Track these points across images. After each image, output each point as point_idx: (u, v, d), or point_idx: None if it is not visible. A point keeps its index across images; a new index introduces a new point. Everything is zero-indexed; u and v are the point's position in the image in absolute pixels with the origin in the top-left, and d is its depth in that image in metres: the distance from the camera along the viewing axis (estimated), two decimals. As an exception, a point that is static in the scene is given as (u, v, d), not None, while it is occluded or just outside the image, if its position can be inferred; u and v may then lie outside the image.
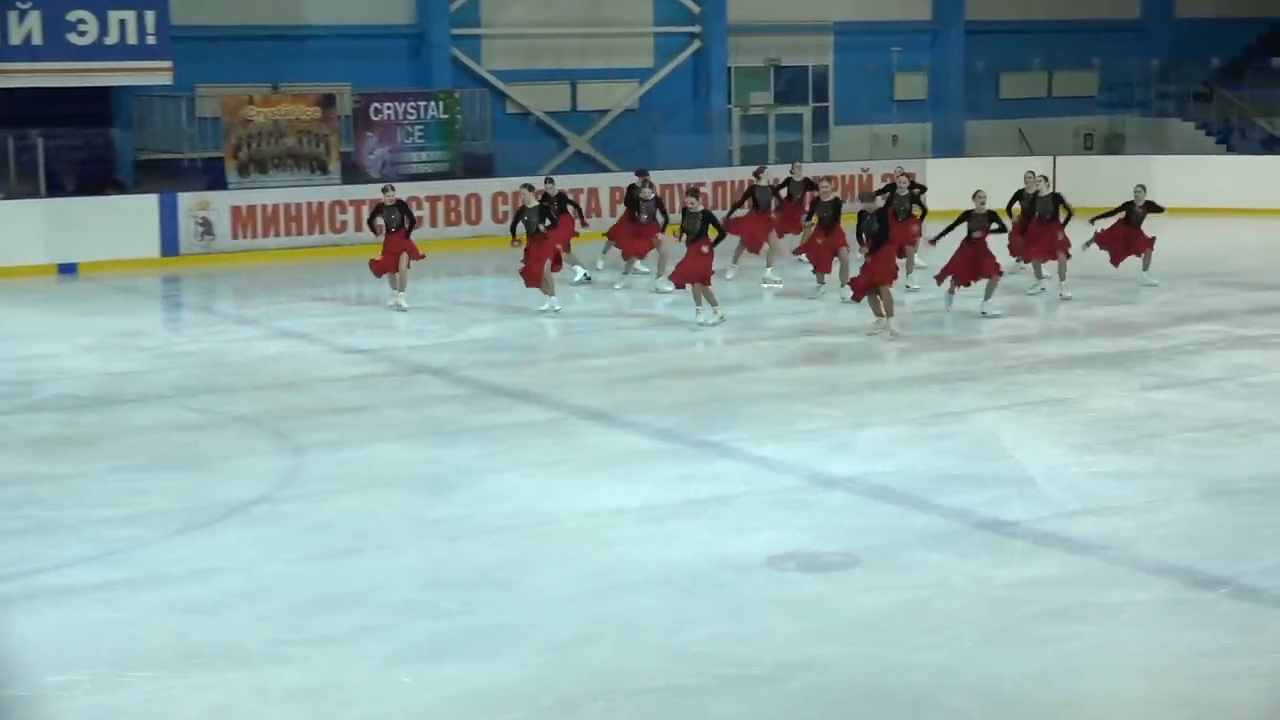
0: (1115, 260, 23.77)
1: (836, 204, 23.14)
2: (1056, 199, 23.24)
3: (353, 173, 32.61)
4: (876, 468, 13.73)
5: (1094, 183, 32.99)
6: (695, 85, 38.99)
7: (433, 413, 16.40)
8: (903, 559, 11.17)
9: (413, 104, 33.46)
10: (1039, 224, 23.03)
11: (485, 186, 32.74)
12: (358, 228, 30.34)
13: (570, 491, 13.22)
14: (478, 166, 34.29)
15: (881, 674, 9.03)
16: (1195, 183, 33.57)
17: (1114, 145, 40.69)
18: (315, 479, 13.87)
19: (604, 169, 36.43)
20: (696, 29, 38.86)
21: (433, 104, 33.63)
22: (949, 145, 39.97)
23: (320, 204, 30.96)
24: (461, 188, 32.55)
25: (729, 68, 39.36)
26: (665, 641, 9.58)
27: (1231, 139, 39.45)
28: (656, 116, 37.69)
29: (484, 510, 12.69)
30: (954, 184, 31.78)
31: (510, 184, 32.45)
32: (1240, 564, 10.85)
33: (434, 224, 31.63)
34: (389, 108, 33.25)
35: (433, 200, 31.89)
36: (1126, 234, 23.63)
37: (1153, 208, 23.67)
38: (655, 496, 12.92)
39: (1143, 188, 23.91)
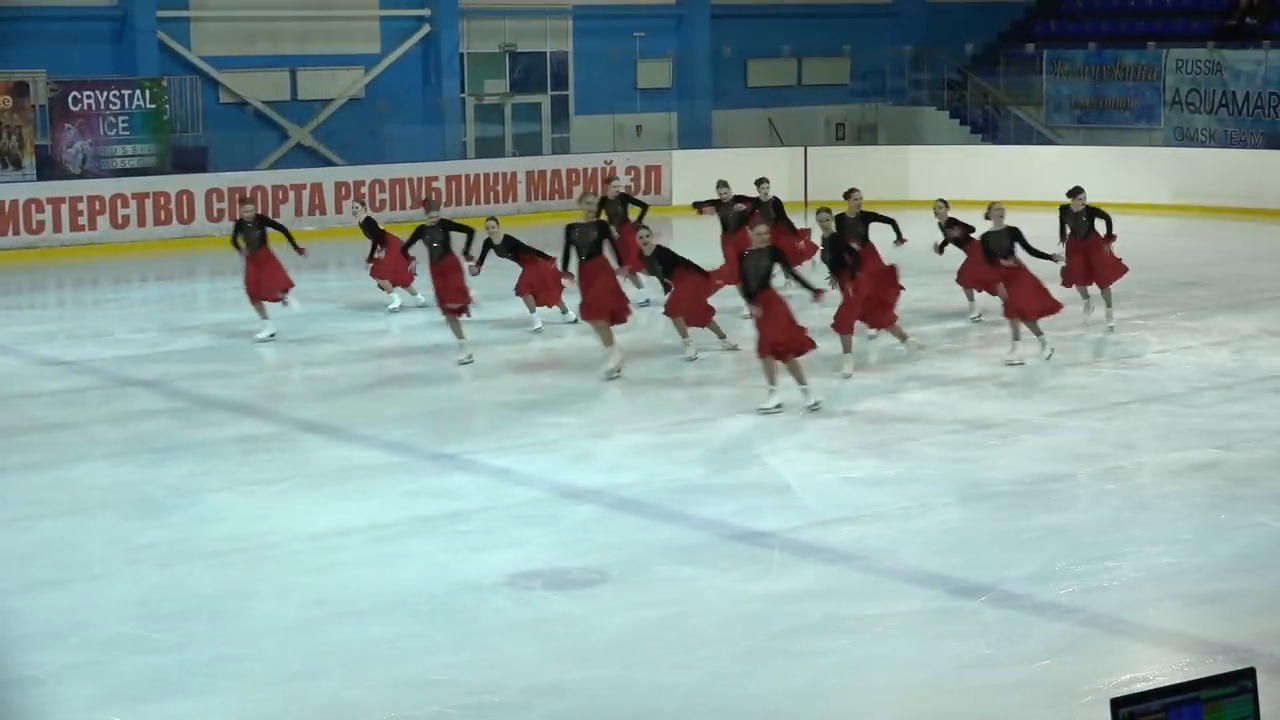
0: (1068, 279, 20.75)
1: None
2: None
3: (49, 168, 31.82)
4: (621, 479, 13.83)
5: (846, 174, 33.69)
6: (426, 73, 38.84)
7: (143, 428, 16.11)
8: (652, 574, 11.27)
9: (116, 93, 32.78)
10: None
11: (198, 182, 32.21)
12: (55, 228, 29.61)
13: (293, 511, 13.10)
14: (190, 160, 33.71)
15: (632, 697, 9.11)
16: (951, 173, 34.44)
17: (866, 135, 41.58)
18: (13, 504, 13.54)
19: (328, 162, 36.10)
20: (426, 12, 38.72)
21: (138, 93, 32.99)
22: (696, 135, 40.42)
23: (14, 202, 30.13)
24: (172, 183, 31.96)
25: (461, 54, 39.28)
26: (399, 671, 9.54)
27: (987, 128, 40.58)
28: (383, 106, 37.47)
29: (199, 534, 12.51)
30: (699, 176, 32.21)
31: (225, 179, 32.04)
32: (1000, 570, 11.17)
33: (142, 223, 31.00)
34: (89, 96, 32.53)
35: (140, 197, 31.24)
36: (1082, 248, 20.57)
37: (1096, 214, 20.67)
38: (385, 514, 12.86)
39: (1079, 190, 20.77)
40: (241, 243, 20.83)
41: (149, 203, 31.40)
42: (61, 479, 14.20)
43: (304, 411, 16.79)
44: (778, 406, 16.08)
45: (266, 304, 20.71)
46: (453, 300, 18.94)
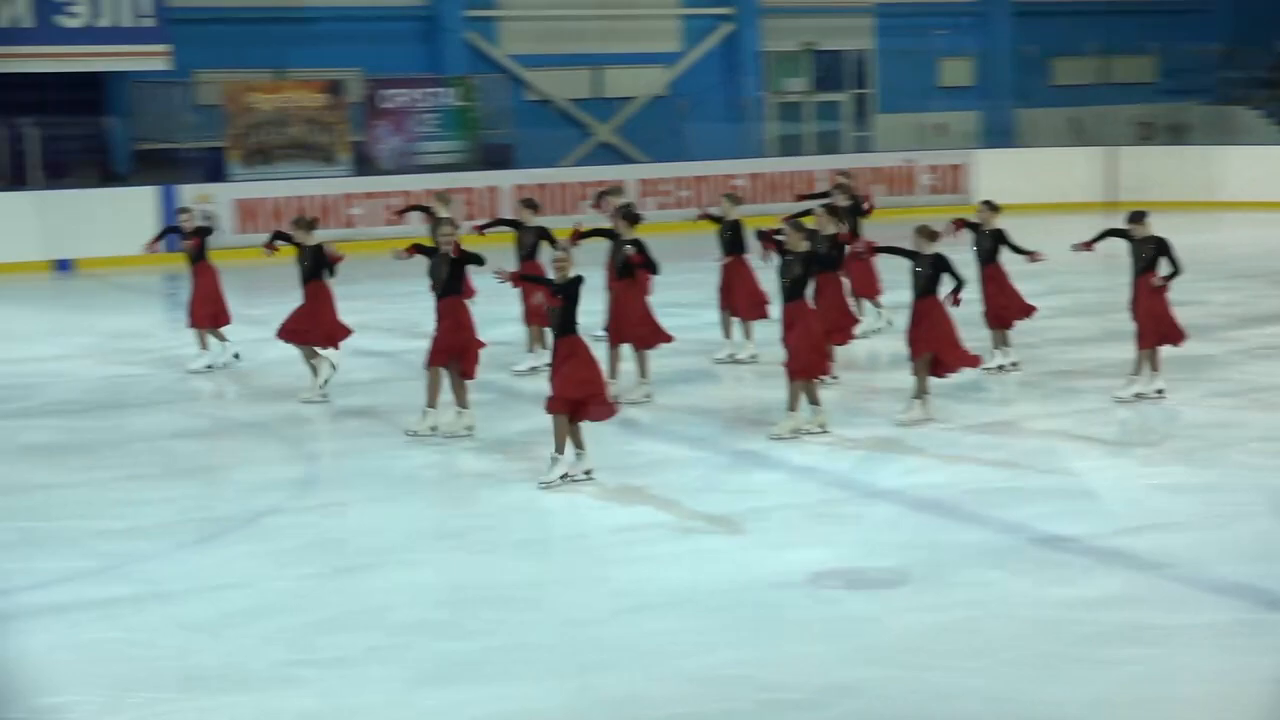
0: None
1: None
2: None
3: (363, 164, 32.74)
4: (922, 480, 13.76)
5: (1157, 174, 32.96)
6: (726, 71, 39.06)
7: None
8: (952, 576, 11.21)
9: (426, 91, 33.57)
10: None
11: (504, 178, 32.83)
12: (368, 221, 30.52)
13: (599, 504, 13.27)
14: (496, 157, 34.39)
15: (927, 699, 9.06)
16: (1266, 174, 33.49)
17: (1176, 135, 40.58)
18: (329, 490, 13.97)
19: (630, 160, 36.51)
20: (728, 11, 38.93)
21: (447, 91, 33.74)
22: (998, 134, 39.97)
23: (329, 197, 31.09)
24: (479, 180, 32.63)
25: (762, 52, 39.41)
26: (691, 665, 9.62)
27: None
28: (684, 105, 37.75)
29: (507, 524, 12.76)
30: (1005, 176, 31.86)
31: (530, 176, 32.61)
32: (1311, 583, 10.87)
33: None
34: (401, 95, 33.38)
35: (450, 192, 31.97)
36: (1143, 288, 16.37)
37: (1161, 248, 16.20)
38: (688, 509, 12.96)
39: (1141, 214, 16.47)
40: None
41: (457, 199, 32.12)
42: (374, 466, 14.61)
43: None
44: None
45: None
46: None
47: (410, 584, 11.31)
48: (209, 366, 18.99)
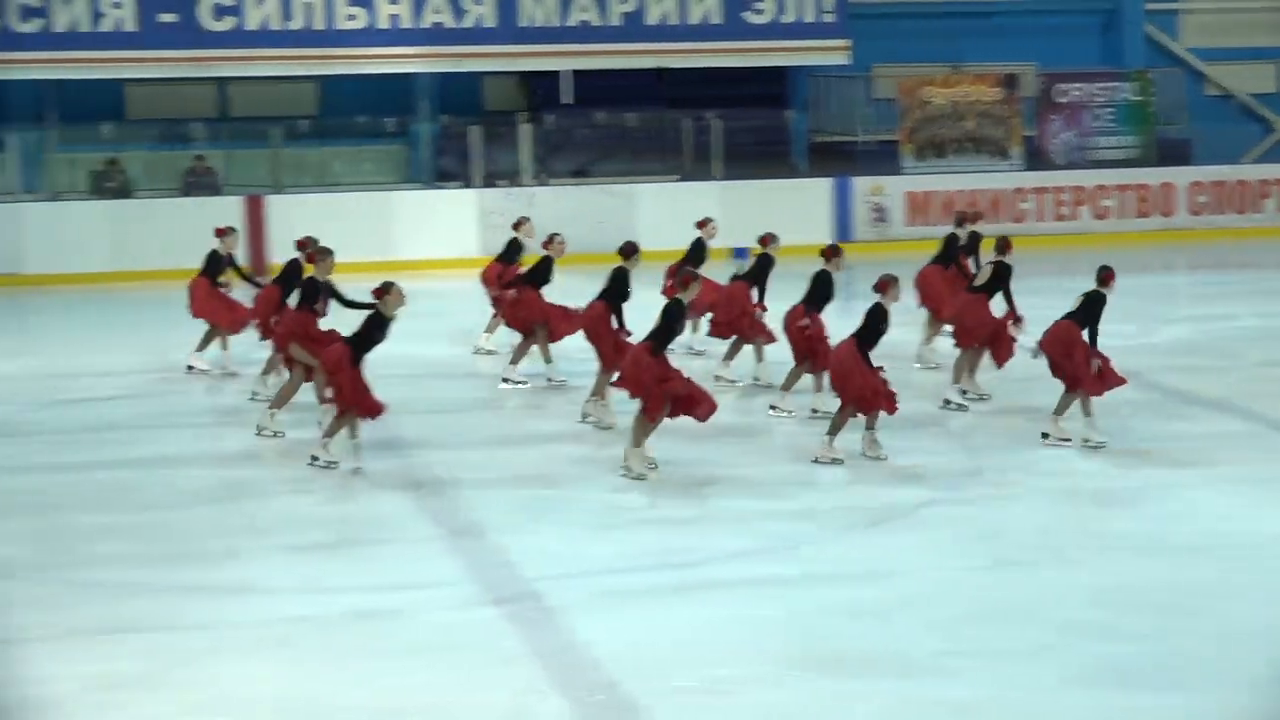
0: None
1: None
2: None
3: (1035, 159, 32.49)
4: None
5: None
6: None
7: (1120, 421, 16.10)
8: None
9: (1102, 85, 33.02)
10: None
11: (1180, 175, 31.98)
12: (1038, 216, 30.29)
13: (1272, 513, 12.78)
14: (1172, 153, 33.50)
15: None
16: None
17: None
18: (989, 483, 13.97)
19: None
20: None
21: (1124, 85, 33.09)
22: None
23: (999, 191, 31.01)
24: (1154, 176, 31.90)
25: None
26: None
27: None
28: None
29: (1170, 528, 12.46)
30: None
31: (1207, 173, 31.65)
32: None
33: (1122, 214, 31.16)
34: (1076, 89, 32.95)
35: (1121, 189, 31.41)
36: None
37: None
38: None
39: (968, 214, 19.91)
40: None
41: (1130, 195, 31.50)
42: (1033, 460, 14.52)
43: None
44: None
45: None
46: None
47: (1066, 582, 11.18)
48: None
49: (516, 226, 20.02)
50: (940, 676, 9.47)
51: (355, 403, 14.07)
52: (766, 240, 18.32)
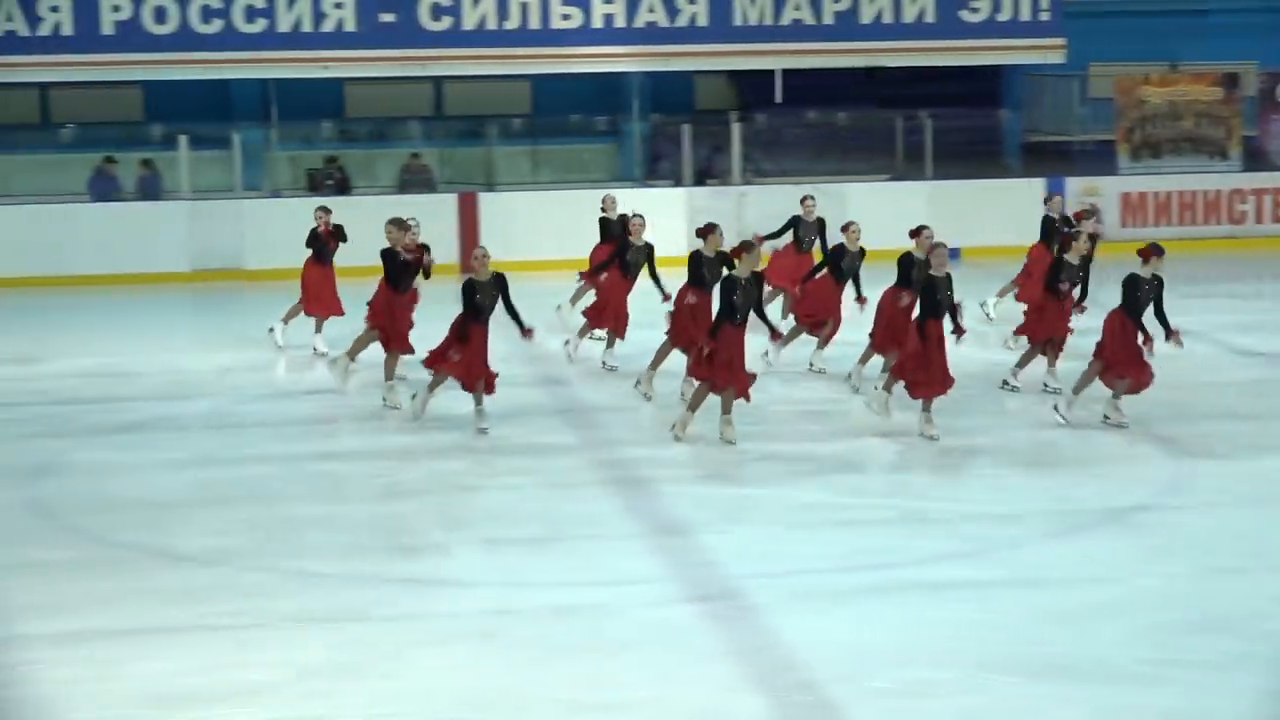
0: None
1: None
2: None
3: (1255, 159, 31.81)
4: None
5: None
6: None
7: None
8: None
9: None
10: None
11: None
12: (1257, 219, 29.65)
13: None
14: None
15: None
16: None
17: None
18: (1199, 489, 13.75)
19: None
20: None
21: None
22: None
23: (1217, 192, 30.41)
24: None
25: None
26: None
27: None
28: None
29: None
30: None
31: None
32: None
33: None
34: (1298, 88, 32.23)
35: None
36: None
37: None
38: None
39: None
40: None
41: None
42: (1245, 469, 14.26)
43: None
44: None
45: None
46: None
47: (1270, 592, 11.00)
48: None
49: (703, 234, 17.30)
50: (1140, 684, 9.37)
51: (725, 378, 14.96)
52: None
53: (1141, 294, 15.27)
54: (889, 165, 31.96)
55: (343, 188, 30.41)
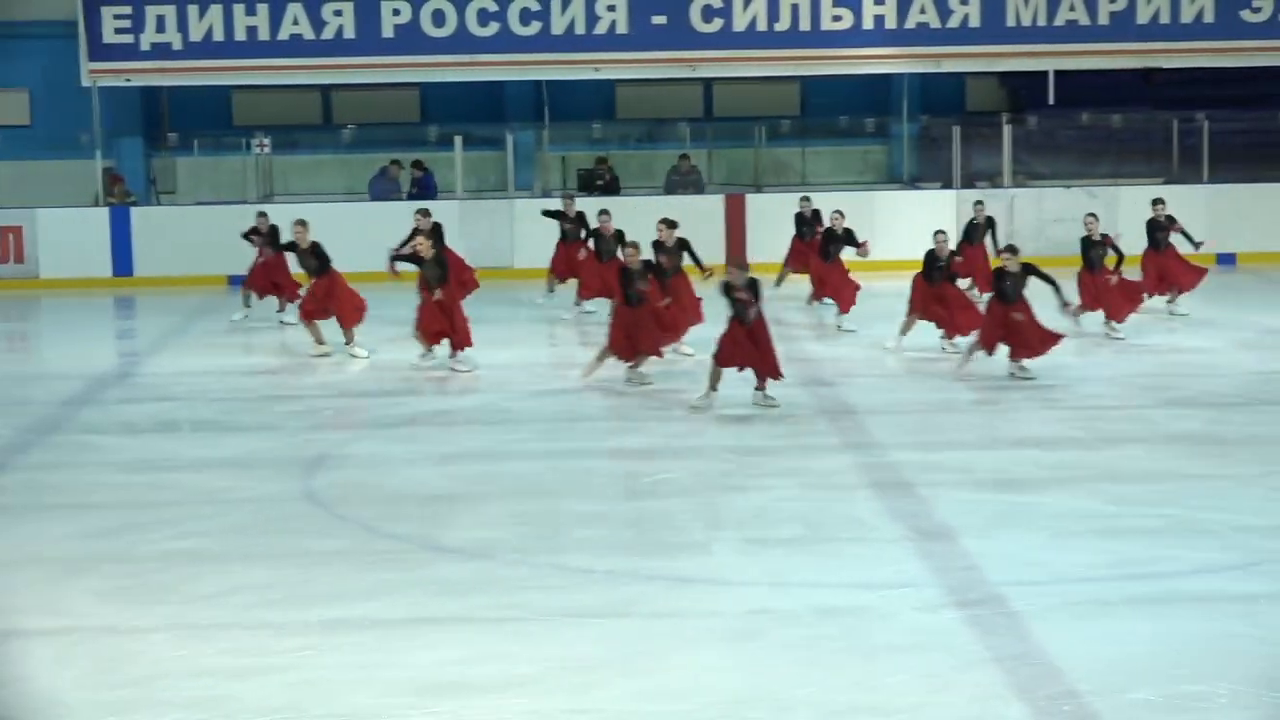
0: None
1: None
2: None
3: None
4: None
5: None
6: None
7: None
8: None
9: None
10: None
11: None
12: None
13: None
14: None
15: None
16: None
17: None
18: None
19: None
20: None
21: None
22: None
23: None
24: None
25: None
26: None
27: None
28: None
29: None
30: None
31: None
32: None
33: None
34: None
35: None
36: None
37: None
38: None
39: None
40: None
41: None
42: None
43: None
44: None
45: None
46: None
47: None
48: None
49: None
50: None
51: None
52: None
53: None
54: (1164, 168, 31.37)
55: (612, 188, 30.74)
